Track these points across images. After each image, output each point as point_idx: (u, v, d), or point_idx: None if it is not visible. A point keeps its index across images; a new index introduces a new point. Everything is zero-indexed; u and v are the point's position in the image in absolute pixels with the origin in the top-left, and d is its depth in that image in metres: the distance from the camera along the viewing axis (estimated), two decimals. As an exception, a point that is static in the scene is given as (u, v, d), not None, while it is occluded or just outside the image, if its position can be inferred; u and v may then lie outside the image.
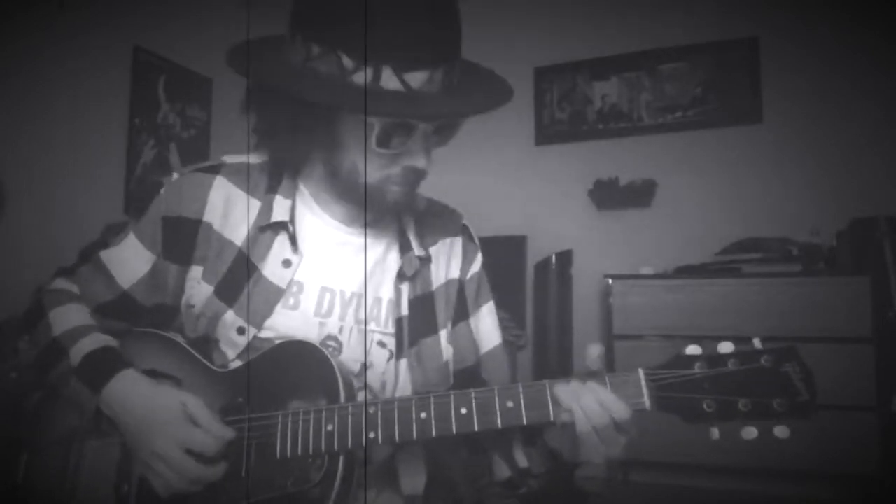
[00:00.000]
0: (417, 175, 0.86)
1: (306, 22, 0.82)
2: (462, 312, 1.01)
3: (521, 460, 0.90)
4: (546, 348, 2.95)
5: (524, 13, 3.58)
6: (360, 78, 0.78)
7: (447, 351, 0.97)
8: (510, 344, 2.72)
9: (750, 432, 0.71)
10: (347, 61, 0.79)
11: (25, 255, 2.28)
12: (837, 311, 2.49)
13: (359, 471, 0.82)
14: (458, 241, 1.03)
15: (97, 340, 0.88)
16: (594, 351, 0.77)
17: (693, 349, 0.73)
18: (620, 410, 0.72)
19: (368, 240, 0.94)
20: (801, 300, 2.52)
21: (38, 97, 2.45)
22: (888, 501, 2.37)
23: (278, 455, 0.80)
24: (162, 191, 0.93)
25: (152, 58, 2.97)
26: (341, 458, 0.79)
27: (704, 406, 0.71)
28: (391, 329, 0.93)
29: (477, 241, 1.07)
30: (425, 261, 0.98)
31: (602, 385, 0.74)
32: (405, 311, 0.94)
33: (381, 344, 0.93)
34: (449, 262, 1.01)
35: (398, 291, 0.94)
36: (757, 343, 0.72)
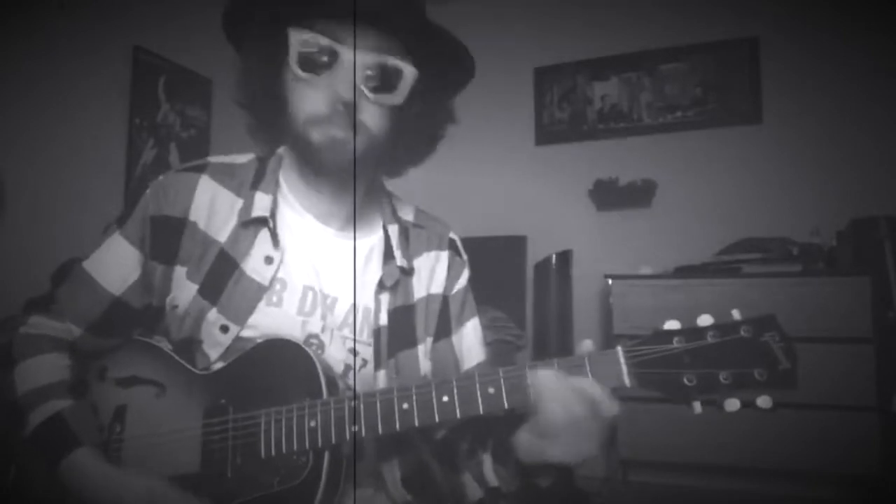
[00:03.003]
0: (347, 111, 0.83)
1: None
2: (444, 329, 1.00)
3: (492, 479, 0.88)
4: (546, 348, 2.95)
5: (524, 13, 3.58)
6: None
7: (425, 365, 0.96)
8: (509, 344, 2.72)
9: (733, 404, 0.70)
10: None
11: (25, 255, 2.28)
12: (837, 311, 2.50)
13: (346, 467, 0.82)
14: (443, 256, 1.02)
15: (48, 409, 0.85)
16: (586, 346, 0.76)
17: (672, 324, 0.72)
18: (598, 393, 0.71)
19: (350, 244, 0.94)
20: (801, 300, 2.52)
21: (39, 97, 2.45)
22: (888, 501, 2.37)
23: (263, 454, 0.80)
24: (147, 191, 0.93)
25: (152, 58, 2.97)
26: (326, 454, 0.79)
27: (685, 380, 0.70)
28: (366, 338, 0.92)
29: (464, 255, 1.05)
30: (407, 272, 0.97)
31: (582, 372, 0.73)
32: (384, 321, 0.93)
33: (354, 351, 0.92)
34: (432, 276, 1.00)
35: (377, 301, 0.93)
36: (736, 314, 0.71)
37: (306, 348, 0.83)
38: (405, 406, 0.76)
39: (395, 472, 0.93)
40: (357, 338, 0.92)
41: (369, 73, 0.84)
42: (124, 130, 2.86)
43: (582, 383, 0.72)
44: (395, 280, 0.95)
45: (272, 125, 0.92)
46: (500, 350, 2.64)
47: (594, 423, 0.71)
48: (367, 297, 0.94)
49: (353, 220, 0.94)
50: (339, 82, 0.82)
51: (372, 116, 0.85)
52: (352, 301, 0.93)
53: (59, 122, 2.53)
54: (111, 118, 2.80)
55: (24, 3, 2.38)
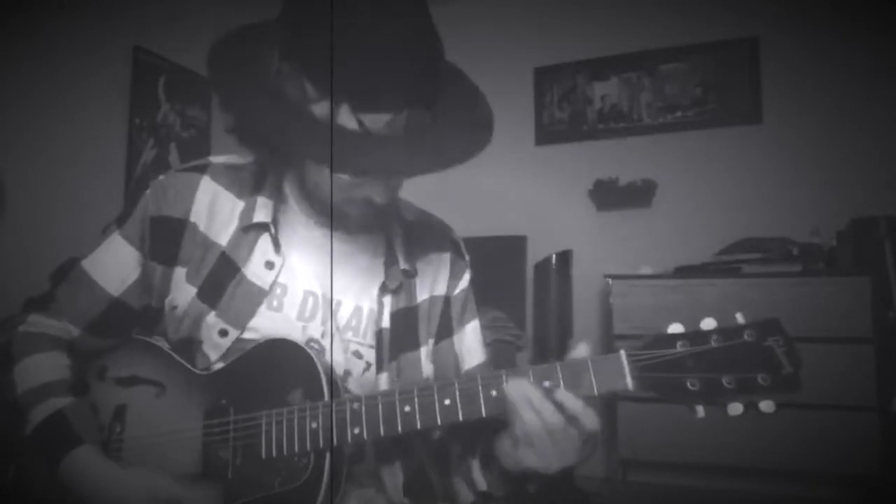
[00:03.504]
0: (376, 208, 0.85)
1: (283, 37, 0.81)
2: (446, 330, 1.00)
3: (481, 483, 0.88)
4: (546, 349, 2.95)
5: (524, 13, 3.58)
6: (319, 110, 0.76)
7: (427, 367, 0.96)
8: (509, 344, 2.72)
9: (736, 408, 0.70)
10: (311, 90, 0.77)
11: (25, 255, 2.28)
12: (837, 311, 2.49)
13: (346, 468, 0.82)
14: (445, 257, 1.01)
15: (49, 407, 0.85)
16: (581, 350, 0.76)
17: (675, 327, 0.72)
18: (577, 407, 0.71)
19: (354, 248, 0.94)
20: (801, 300, 2.52)
21: (39, 97, 2.45)
22: (888, 501, 2.37)
23: (264, 455, 0.80)
24: (147, 191, 0.92)
25: (152, 58, 2.97)
26: (328, 456, 0.79)
27: (688, 384, 0.70)
28: (369, 340, 0.92)
29: (466, 257, 1.05)
30: (410, 274, 0.96)
31: (585, 376, 0.73)
32: (386, 323, 0.93)
33: (358, 354, 0.91)
34: (435, 277, 1.00)
35: (380, 304, 0.93)
36: (740, 318, 0.71)
37: (307, 349, 0.83)
38: (407, 409, 0.76)
39: (398, 477, 0.93)
40: (361, 341, 0.92)
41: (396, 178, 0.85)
42: (124, 130, 2.86)
43: (560, 397, 0.71)
44: (399, 283, 0.94)
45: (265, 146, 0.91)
46: (499, 350, 2.64)
47: (572, 433, 0.71)
48: (370, 301, 0.93)
49: (330, 217, 0.92)
50: (374, 191, 0.83)
51: (387, 195, 0.86)
52: (357, 305, 0.93)
53: (59, 122, 2.53)
54: (111, 118, 2.80)
55: (24, 3, 2.38)
